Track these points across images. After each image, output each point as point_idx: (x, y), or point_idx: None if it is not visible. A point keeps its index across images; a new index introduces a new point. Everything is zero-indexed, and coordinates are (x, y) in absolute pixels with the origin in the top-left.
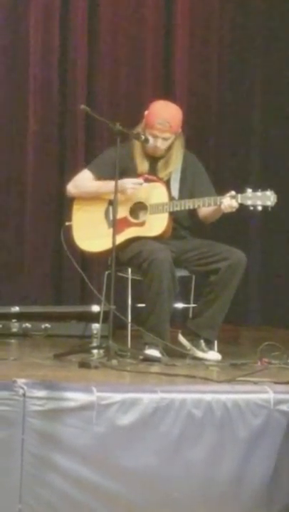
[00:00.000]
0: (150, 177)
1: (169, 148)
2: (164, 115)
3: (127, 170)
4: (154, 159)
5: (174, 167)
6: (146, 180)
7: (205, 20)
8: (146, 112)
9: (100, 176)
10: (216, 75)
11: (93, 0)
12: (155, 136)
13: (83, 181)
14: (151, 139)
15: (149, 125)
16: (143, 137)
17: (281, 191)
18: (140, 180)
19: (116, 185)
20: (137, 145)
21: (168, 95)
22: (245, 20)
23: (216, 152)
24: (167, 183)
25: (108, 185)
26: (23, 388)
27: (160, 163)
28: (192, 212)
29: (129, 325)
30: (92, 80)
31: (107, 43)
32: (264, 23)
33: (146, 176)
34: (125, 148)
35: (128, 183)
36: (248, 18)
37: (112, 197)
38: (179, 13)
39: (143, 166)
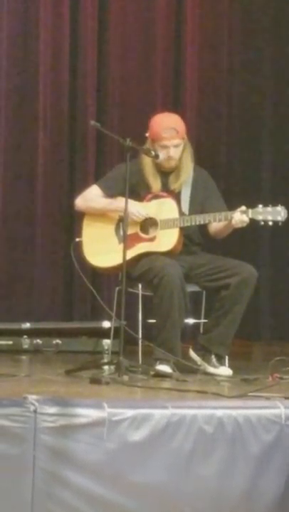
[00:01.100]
0: (160, 193)
1: (179, 159)
2: (168, 123)
3: (137, 186)
4: (165, 174)
5: (186, 177)
6: (156, 197)
7: (214, 28)
8: (147, 134)
9: (108, 192)
10: (226, 88)
11: (102, 15)
12: (165, 147)
13: (91, 197)
14: (162, 153)
15: (156, 137)
16: (153, 153)
17: None
18: (145, 215)
19: (126, 201)
20: (147, 161)
21: (177, 110)
22: (255, 32)
23: (227, 167)
24: (178, 198)
25: (114, 204)
26: (34, 405)
27: (171, 176)
28: (203, 228)
29: (140, 341)
30: (102, 95)
31: (117, 57)
32: (273, 32)
33: (155, 192)
34: (135, 164)
35: (134, 210)
36: (256, 28)
37: (119, 214)
38: (188, 23)
39: (156, 182)
